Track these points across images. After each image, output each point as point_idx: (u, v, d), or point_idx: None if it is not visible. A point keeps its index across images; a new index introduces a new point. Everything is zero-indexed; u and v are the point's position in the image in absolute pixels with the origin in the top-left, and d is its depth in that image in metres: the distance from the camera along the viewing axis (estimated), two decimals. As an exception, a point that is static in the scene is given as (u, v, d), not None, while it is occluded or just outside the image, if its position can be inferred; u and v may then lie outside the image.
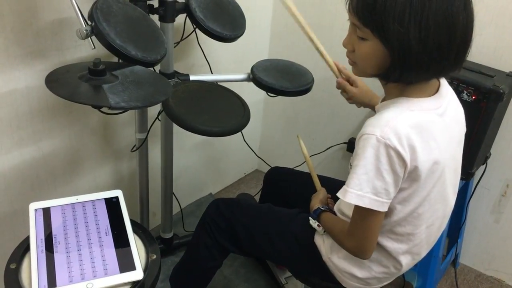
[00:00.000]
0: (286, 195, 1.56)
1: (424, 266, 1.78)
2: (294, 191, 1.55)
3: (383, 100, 1.11)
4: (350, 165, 1.15)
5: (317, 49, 1.37)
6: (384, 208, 1.00)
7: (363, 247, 1.07)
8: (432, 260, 1.76)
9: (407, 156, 0.96)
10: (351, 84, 1.40)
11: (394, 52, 0.93)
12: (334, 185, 1.36)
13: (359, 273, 1.19)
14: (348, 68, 1.40)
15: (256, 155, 2.21)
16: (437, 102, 1.04)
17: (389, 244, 1.13)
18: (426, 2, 0.89)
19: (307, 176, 1.49)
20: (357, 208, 1.02)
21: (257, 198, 2.21)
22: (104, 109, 1.12)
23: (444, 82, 1.09)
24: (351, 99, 1.42)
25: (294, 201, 1.49)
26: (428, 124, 1.00)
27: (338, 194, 1.03)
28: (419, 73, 0.97)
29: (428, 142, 0.99)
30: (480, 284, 2.01)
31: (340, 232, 1.13)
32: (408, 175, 1.00)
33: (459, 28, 0.92)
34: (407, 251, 1.15)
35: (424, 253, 1.20)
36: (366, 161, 0.97)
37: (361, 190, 0.98)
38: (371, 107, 1.40)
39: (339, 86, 1.41)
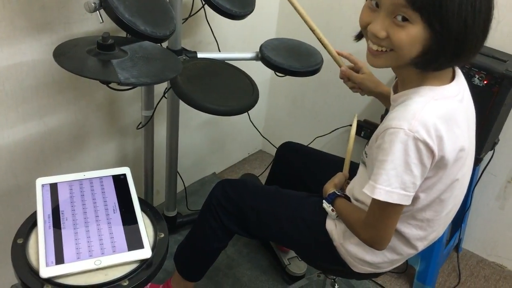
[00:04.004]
0: (297, 172, 1.53)
1: (427, 251, 1.77)
2: (306, 169, 1.52)
3: (395, 88, 1.09)
4: (365, 153, 1.13)
5: (319, 39, 1.37)
6: (409, 202, 0.99)
7: (380, 239, 1.05)
8: (435, 244, 1.75)
9: (435, 147, 0.94)
10: (357, 72, 1.38)
11: (449, 38, 0.89)
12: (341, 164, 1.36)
13: (372, 259, 1.18)
14: (354, 54, 1.39)
15: (261, 135, 2.20)
16: (456, 88, 1.02)
17: (408, 230, 1.12)
18: None
19: (321, 155, 1.48)
20: (380, 202, 0.98)
21: (261, 178, 2.20)
22: (113, 85, 1.11)
23: (456, 67, 1.07)
24: (355, 87, 1.40)
25: (304, 180, 1.48)
26: (452, 111, 0.98)
27: (365, 190, 0.99)
28: (463, 57, 0.95)
29: (453, 130, 0.97)
30: (482, 269, 2.02)
31: (356, 221, 1.11)
32: (434, 165, 0.98)
33: (492, 10, 0.92)
34: (425, 237, 1.15)
35: (438, 237, 1.20)
36: (394, 156, 0.94)
37: (389, 186, 0.96)
38: (376, 94, 1.38)
39: (343, 75, 1.39)
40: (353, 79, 1.38)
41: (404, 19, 0.91)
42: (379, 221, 1.04)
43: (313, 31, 1.38)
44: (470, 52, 0.94)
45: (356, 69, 1.39)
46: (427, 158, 0.95)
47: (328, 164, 1.44)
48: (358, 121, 2.09)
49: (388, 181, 0.96)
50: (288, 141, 1.64)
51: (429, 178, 1.01)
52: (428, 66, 0.97)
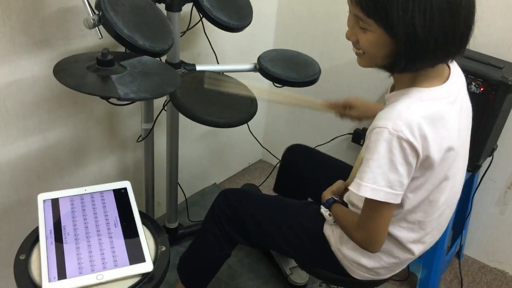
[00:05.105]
0: (303, 172, 1.56)
1: (429, 258, 1.78)
2: (312, 168, 1.55)
3: (392, 89, 1.11)
4: None
5: (303, 103, 1.46)
6: (397, 200, 1.00)
7: (373, 240, 1.06)
8: (437, 251, 1.76)
9: (419, 146, 0.96)
10: (350, 108, 1.44)
11: (400, 40, 0.93)
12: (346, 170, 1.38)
13: (368, 263, 1.19)
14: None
15: (261, 145, 2.21)
16: (448, 90, 1.03)
17: (400, 233, 1.14)
18: None
19: (326, 157, 1.53)
20: (369, 201, 1.01)
21: (262, 188, 2.21)
22: (112, 100, 1.12)
23: (454, 68, 1.09)
24: (358, 120, 1.47)
25: (310, 180, 1.52)
26: (439, 113, 1.00)
27: (351, 188, 1.02)
28: (425, 60, 0.97)
29: (439, 131, 0.99)
30: (484, 275, 2.02)
31: (350, 224, 1.13)
32: (420, 164, 1.00)
33: (462, 12, 0.92)
34: (419, 240, 1.16)
35: (434, 241, 1.21)
36: (379, 155, 0.97)
37: (375, 184, 0.98)
38: None
39: (341, 117, 1.47)
40: (352, 118, 1.46)
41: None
42: (370, 222, 1.06)
43: (298, 103, 1.45)
44: (434, 55, 0.96)
45: (348, 107, 1.45)
46: (412, 157, 0.97)
47: (335, 167, 1.49)
48: (357, 130, 2.10)
49: (373, 178, 0.98)
50: (296, 143, 1.66)
51: (417, 179, 1.03)
52: (393, 68, 1.02)
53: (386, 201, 0.99)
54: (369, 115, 1.41)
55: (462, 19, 0.93)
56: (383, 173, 0.97)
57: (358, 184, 1.00)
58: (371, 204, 1.03)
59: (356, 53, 1.07)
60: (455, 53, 0.98)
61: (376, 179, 0.98)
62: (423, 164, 1.00)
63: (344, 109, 1.45)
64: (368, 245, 1.08)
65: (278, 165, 1.73)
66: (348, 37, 1.05)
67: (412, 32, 0.91)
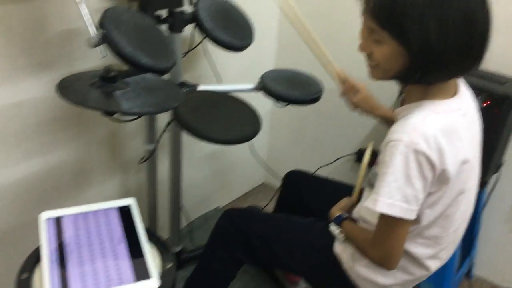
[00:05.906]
0: (304, 199, 1.53)
1: (438, 278, 1.74)
2: (313, 195, 1.52)
3: (403, 102, 1.10)
4: (372, 174, 1.13)
5: (322, 56, 1.37)
6: (413, 216, 0.98)
7: (390, 257, 1.04)
8: (446, 271, 1.73)
9: (436, 160, 0.95)
10: (356, 92, 1.40)
11: (414, 53, 0.93)
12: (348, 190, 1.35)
13: (383, 280, 1.16)
14: (354, 66, 1.39)
15: (265, 167, 2.19)
16: (459, 103, 1.03)
17: (416, 249, 1.11)
18: (445, 2, 0.89)
19: (328, 182, 1.50)
20: (385, 217, 0.99)
21: (267, 209, 2.18)
22: (116, 116, 1.11)
23: (461, 82, 1.09)
24: (354, 107, 1.42)
25: (311, 206, 1.48)
26: (454, 125, 0.99)
27: (367, 204, 1.00)
28: (440, 73, 0.96)
29: (454, 143, 0.98)
30: (496, 296, 1.98)
31: (363, 241, 1.11)
32: (437, 178, 0.98)
33: (478, 26, 0.92)
34: (434, 255, 1.13)
35: (449, 256, 1.18)
36: (395, 168, 0.95)
37: (391, 198, 0.96)
38: (373, 116, 1.40)
39: (343, 95, 1.42)
40: (349, 100, 1.41)
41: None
42: (386, 238, 1.03)
43: (317, 47, 1.38)
44: (448, 68, 0.95)
45: (355, 90, 1.41)
46: (428, 171, 0.95)
47: (335, 191, 1.44)
48: (361, 150, 2.09)
49: (389, 193, 0.96)
50: (295, 169, 1.64)
51: (434, 194, 1.01)
52: (407, 80, 1.01)
53: (402, 216, 0.97)
54: (367, 108, 1.39)
55: (478, 34, 0.93)
56: (399, 187, 0.96)
57: (374, 199, 0.98)
58: (387, 220, 1.01)
59: (370, 65, 1.06)
60: (470, 67, 0.97)
61: (392, 194, 0.96)
62: (439, 178, 0.99)
63: (350, 90, 1.40)
64: (385, 262, 1.06)
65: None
66: (361, 50, 1.04)
67: (426, 45, 0.90)
